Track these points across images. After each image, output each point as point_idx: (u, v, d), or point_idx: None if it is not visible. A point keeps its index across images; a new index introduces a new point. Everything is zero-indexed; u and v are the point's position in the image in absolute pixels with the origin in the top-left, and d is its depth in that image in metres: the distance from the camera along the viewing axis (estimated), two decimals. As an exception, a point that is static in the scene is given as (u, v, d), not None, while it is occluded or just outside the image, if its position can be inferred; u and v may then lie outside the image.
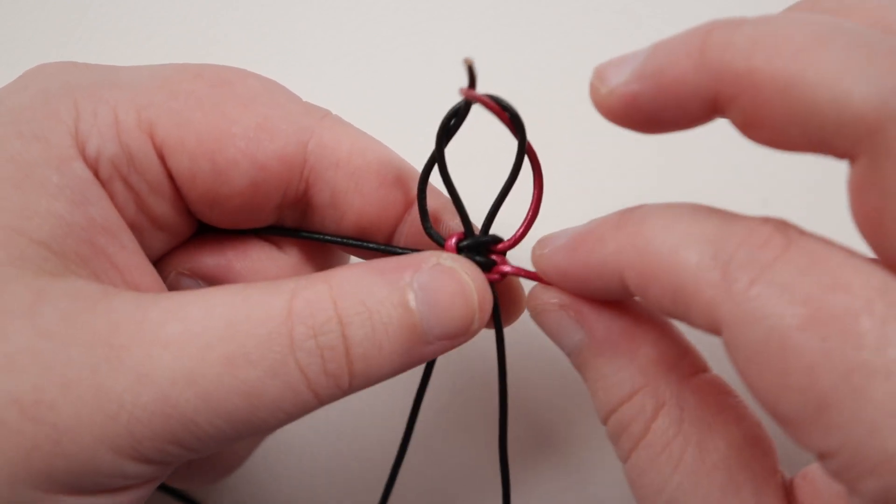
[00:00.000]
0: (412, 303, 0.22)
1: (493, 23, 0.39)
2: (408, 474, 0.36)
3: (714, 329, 0.19)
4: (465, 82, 0.22)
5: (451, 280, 0.23)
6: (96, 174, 0.23)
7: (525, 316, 0.27)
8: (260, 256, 0.27)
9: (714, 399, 0.23)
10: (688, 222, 0.20)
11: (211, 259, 0.27)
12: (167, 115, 0.24)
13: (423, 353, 0.23)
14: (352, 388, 0.22)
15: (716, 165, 0.38)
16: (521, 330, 0.36)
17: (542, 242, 0.24)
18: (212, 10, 0.39)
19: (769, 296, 0.17)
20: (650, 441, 0.22)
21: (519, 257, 0.26)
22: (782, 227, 0.19)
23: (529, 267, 0.25)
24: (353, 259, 0.31)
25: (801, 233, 0.19)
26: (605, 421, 0.24)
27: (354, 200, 0.26)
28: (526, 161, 0.24)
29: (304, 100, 0.27)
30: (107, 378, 0.20)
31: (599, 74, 0.21)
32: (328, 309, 0.21)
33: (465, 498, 0.37)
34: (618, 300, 0.24)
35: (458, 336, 0.23)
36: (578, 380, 0.25)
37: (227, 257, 0.27)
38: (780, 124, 0.18)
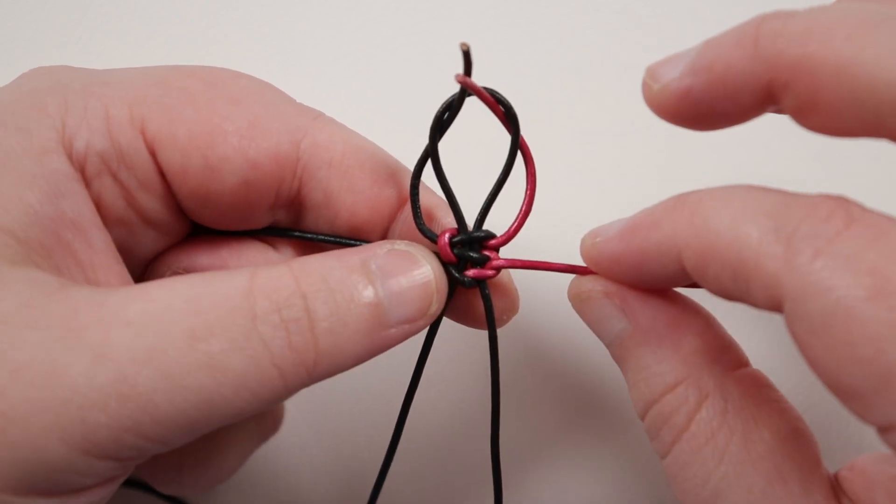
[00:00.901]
0: (372, 284, 0.22)
1: (493, 23, 0.39)
2: (400, 475, 0.36)
3: (775, 305, 0.19)
4: (461, 72, 0.22)
5: (408, 262, 0.23)
6: (84, 170, 0.23)
7: (520, 318, 0.27)
8: (255, 256, 0.27)
9: (756, 392, 0.23)
10: (746, 200, 0.20)
11: (205, 258, 0.27)
12: (159, 110, 0.24)
13: (385, 338, 0.23)
14: (317, 369, 0.22)
15: (716, 165, 0.38)
16: (513, 331, 0.36)
17: (592, 233, 0.24)
18: (212, 10, 0.39)
19: (835, 267, 0.17)
20: (694, 433, 0.22)
21: (512, 253, 0.26)
22: (844, 202, 0.19)
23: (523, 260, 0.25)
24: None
25: (863, 208, 0.19)
26: (643, 413, 0.24)
27: (347, 199, 0.26)
28: (519, 156, 0.24)
29: (299, 101, 0.27)
30: (61, 361, 0.19)
31: (651, 72, 0.22)
32: (290, 284, 0.21)
33: (457, 497, 0.37)
34: (663, 290, 0.24)
35: (418, 318, 0.23)
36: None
37: (222, 256, 0.27)
38: (837, 108, 0.19)
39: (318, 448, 0.37)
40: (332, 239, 0.27)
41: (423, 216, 0.25)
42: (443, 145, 0.24)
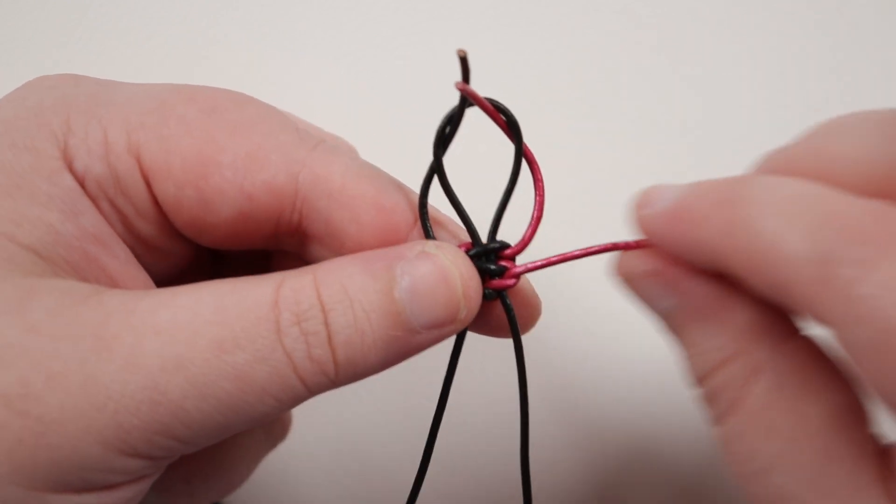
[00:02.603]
0: (395, 291, 0.22)
1: (493, 23, 0.39)
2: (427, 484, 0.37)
3: (818, 322, 0.19)
4: (460, 79, 0.21)
5: (434, 266, 0.23)
6: (83, 190, 0.23)
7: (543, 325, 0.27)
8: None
9: (810, 364, 0.22)
10: (792, 207, 0.19)
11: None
12: (156, 140, 0.24)
13: (411, 343, 0.23)
14: (339, 377, 0.22)
15: (715, 164, 0.38)
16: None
17: (646, 198, 0.23)
18: (212, 10, 0.39)
19: (875, 297, 0.17)
20: (745, 408, 0.22)
21: (524, 260, 0.26)
22: (888, 214, 0.18)
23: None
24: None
25: None
26: (697, 384, 0.23)
27: (351, 229, 0.25)
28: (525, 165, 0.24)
29: (302, 126, 0.26)
30: (94, 368, 0.20)
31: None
32: (311, 296, 0.22)
33: None
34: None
35: (446, 324, 0.23)
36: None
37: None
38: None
39: (326, 457, 0.37)
40: None
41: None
42: (446, 158, 0.24)
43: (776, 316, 0.23)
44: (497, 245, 0.25)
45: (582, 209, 0.37)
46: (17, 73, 0.26)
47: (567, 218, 0.37)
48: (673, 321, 0.24)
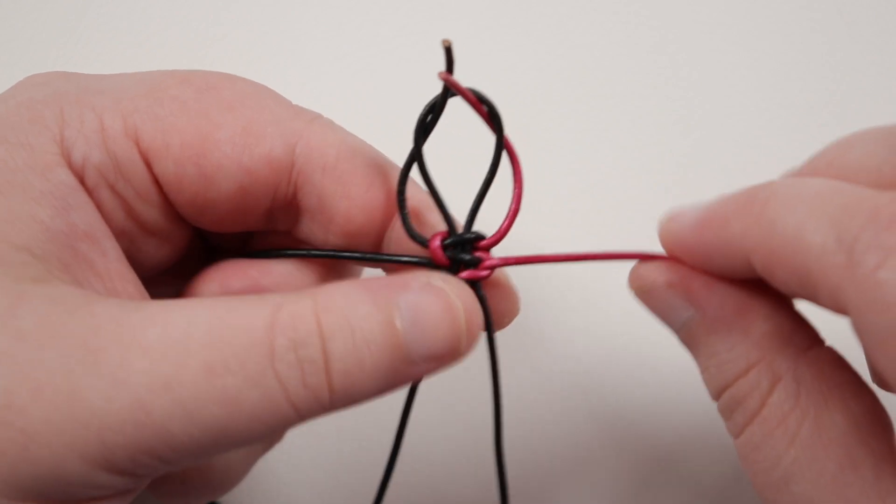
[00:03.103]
0: (397, 321, 0.22)
1: (493, 23, 0.39)
2: (401, 476, 0.36)
3: (843, 312, 0.19)
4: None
5: (439, 299, 0.22)
6: (82, 181, 0.23)
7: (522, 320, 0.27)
8: (284, 272, 0.27)
9: (831, 373, 0.22)
10: (813, 200, 0.20)
11: (237, 281, 0.27)
12: (152, 121, 0.24)
13: (408, 374, 0.22)
14: (333, 404, 0.22)
15: (716, 165, 0.38)
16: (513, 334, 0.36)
17: (670, 215, 0.24)
18: (212, 9, 0.39)
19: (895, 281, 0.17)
20: (765, 416, 0.22)
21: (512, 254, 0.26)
22: None
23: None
24: (366, 272, 0.30)
25: None
26: (716, 396, 0.23)
27: (342, 204, 0.25)
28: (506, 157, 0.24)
29: (295, 103, 0.27)
30: (80, 383, 0.19)
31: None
32: (310, 323, 0.21)
33: (461, 499, 0.37)
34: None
35: (445, 357, 0.23)
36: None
37: (252, 277, 0.27)
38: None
39: (317, 452, 0.37)
40: (358, 256, 0.26)
41: (412, 216, 0.25)
42: (432, 148, 0.24)
43: (796, 325, 0.23)
44: (472, 236, 0.25)
45: (581, 209, 0.37)
46: (17, 73, 0.26)
47: (567, 217, 0.37)
48: (690, 333, 0.23)
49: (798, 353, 0.22)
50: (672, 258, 0.24)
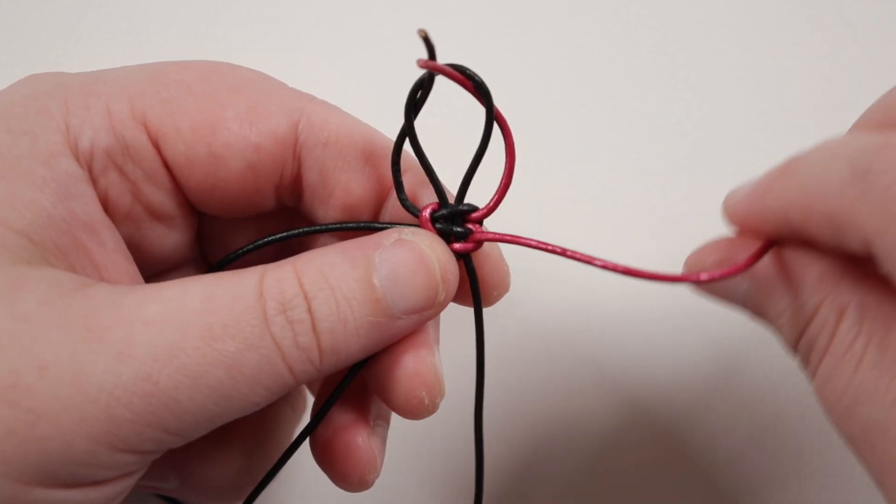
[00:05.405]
0: (374, 278, 0.22)
1: (493, 23, 0.39)
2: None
3: (869, 247, 0.19)
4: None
5: (412, 252, 0.23)
6: (90, 168, 0.24)
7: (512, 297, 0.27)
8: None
9: (890, 295, 0.22)
10: (833, 149, 0.20)
11: None
12: (159, 104, 0.24)
13: (391, 329, 0.23)
14: (324, 364, 0.22)
15: (716, 165, 0.38)
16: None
17: (730, 193, 0.24)
18: (212, 9, 0.39)
19: None
20: (834, 347, 0.22)
21: (495, 226, 0.26)
22: None
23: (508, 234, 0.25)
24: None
25: None
26: (794, 349, 0.23)
27: (341, 178, 0.26)
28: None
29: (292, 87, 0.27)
30: (86, 359, 0.20)
31: None
32: (293, 285, 0.22)
33: (441, 476, 0.37)
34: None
35: (425, 309, 0.23)
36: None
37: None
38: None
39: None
40: (352, 226, 0.27)
41: (409, 195, 0.26)
42: (428, 125, 0.24)
43: (849, 261, 0.23)
44: (465, 208, 0.25)
45: (581, 209, 0.37)
46: (17, 73, 0.26)
47: (566, 216, 0.37)
48: (755, 301, 0.24)
49: (858, 280, 0.22)
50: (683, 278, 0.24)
